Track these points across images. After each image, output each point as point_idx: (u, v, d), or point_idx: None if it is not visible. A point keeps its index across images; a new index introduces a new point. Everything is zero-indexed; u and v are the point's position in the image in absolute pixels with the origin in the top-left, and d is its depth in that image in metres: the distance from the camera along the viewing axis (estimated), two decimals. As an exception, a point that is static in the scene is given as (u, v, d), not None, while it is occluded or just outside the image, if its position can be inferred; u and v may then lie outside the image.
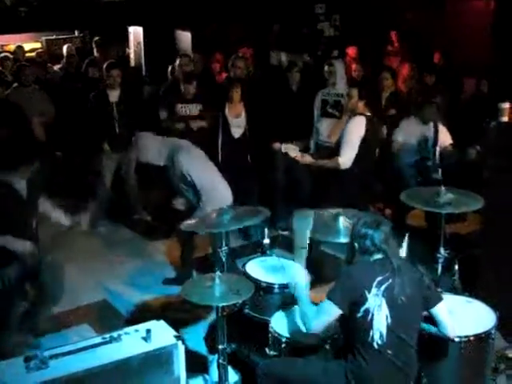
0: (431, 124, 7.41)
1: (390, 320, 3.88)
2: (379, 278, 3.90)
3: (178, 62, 9.13)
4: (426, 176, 7.24)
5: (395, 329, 3.90)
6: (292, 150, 7.20)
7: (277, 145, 7.96)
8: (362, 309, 3.89)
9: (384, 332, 3.88)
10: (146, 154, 6.65)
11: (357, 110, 6.85)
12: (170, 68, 9.45)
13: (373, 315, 3.88)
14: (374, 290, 3.88)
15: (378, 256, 3.98)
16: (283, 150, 7.32)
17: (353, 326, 3.99)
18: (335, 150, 6.93)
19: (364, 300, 3.88)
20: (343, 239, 4.71)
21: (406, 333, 3.95)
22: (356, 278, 3.96)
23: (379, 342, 3.89)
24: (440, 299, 4.09)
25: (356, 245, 4.05)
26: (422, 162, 7.39)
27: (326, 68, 8.30)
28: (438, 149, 7.23)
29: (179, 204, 6.86)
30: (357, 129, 6.76)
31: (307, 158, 7.11)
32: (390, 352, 3.91)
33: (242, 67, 8.98)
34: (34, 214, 5.60)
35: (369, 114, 6.85)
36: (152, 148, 6.61)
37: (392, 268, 3.91)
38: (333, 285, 4.03)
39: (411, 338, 4.00)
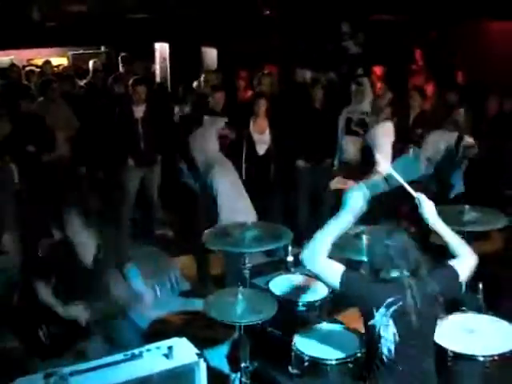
0: (455, 134, 7.39)
1: (397, 338, 3.79)
2: (390, 300, 3.79)
3: (203, 77, 9.16)
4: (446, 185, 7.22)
5: (405, 346, 3.81)
6: (340, 184, 7.33)
7: (301, 162, 7.99)
8: (369, 323, 3.83)
9: (392, 348, 3.81)
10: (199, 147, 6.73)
11: None
12: (195, 84, 9.49)
13: (379, 332, 3.81)
14: (382, 310, 3.79)
15: (394, 274, 3.88)
16: (333, 188, 7.44)
17: (365, 337, 3.99)
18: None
19: (371, 316, 3.81)
20: (366, 258, 4.69)
21: (418, 350, 3.86)
22: (368, 294, 3.86)
23: (389, 358, 3.82)
24: None
25: (372, 262, 3.98)
26: (444, 171, 7.37)
27: (353, 87, 8.29)
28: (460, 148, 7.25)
29: None
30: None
31: None
32: (400, 368, 3.82)
33: (267, 84, 8.99)
34: None
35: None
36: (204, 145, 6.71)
37: (405, 288, 3.82)
38: (356, 273, 3.99)
39: (425, 355, 3.91)
